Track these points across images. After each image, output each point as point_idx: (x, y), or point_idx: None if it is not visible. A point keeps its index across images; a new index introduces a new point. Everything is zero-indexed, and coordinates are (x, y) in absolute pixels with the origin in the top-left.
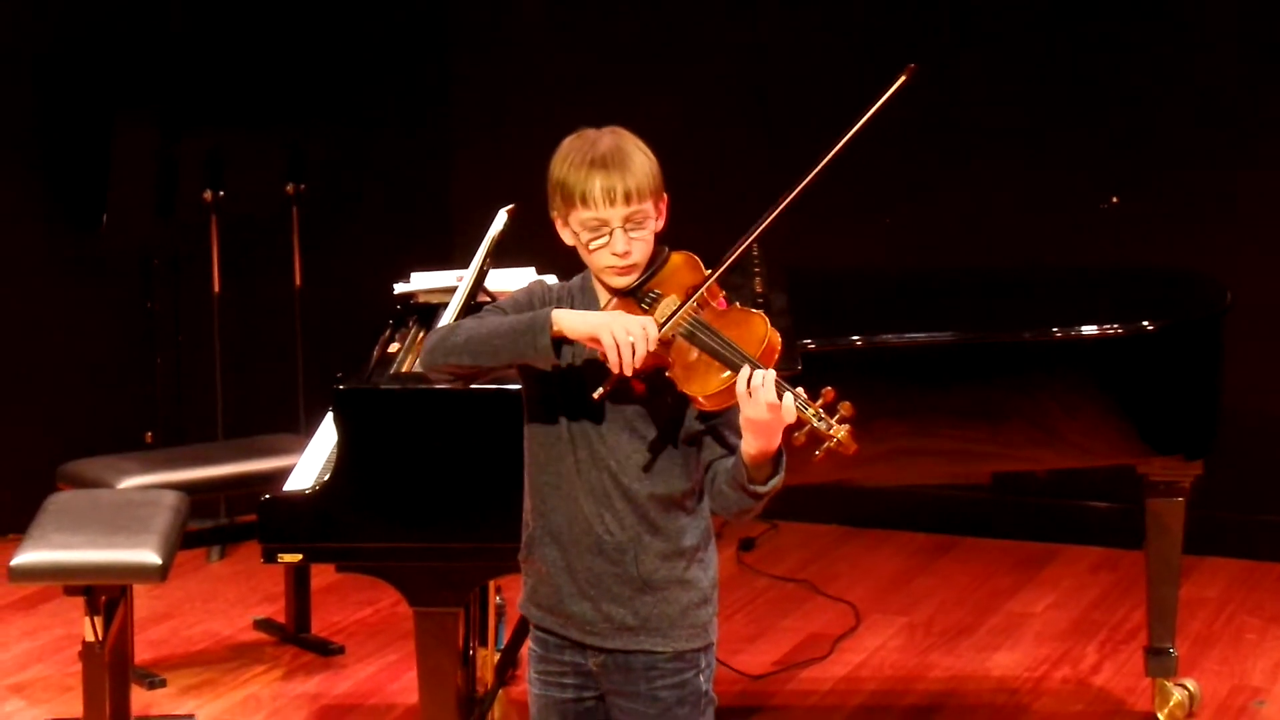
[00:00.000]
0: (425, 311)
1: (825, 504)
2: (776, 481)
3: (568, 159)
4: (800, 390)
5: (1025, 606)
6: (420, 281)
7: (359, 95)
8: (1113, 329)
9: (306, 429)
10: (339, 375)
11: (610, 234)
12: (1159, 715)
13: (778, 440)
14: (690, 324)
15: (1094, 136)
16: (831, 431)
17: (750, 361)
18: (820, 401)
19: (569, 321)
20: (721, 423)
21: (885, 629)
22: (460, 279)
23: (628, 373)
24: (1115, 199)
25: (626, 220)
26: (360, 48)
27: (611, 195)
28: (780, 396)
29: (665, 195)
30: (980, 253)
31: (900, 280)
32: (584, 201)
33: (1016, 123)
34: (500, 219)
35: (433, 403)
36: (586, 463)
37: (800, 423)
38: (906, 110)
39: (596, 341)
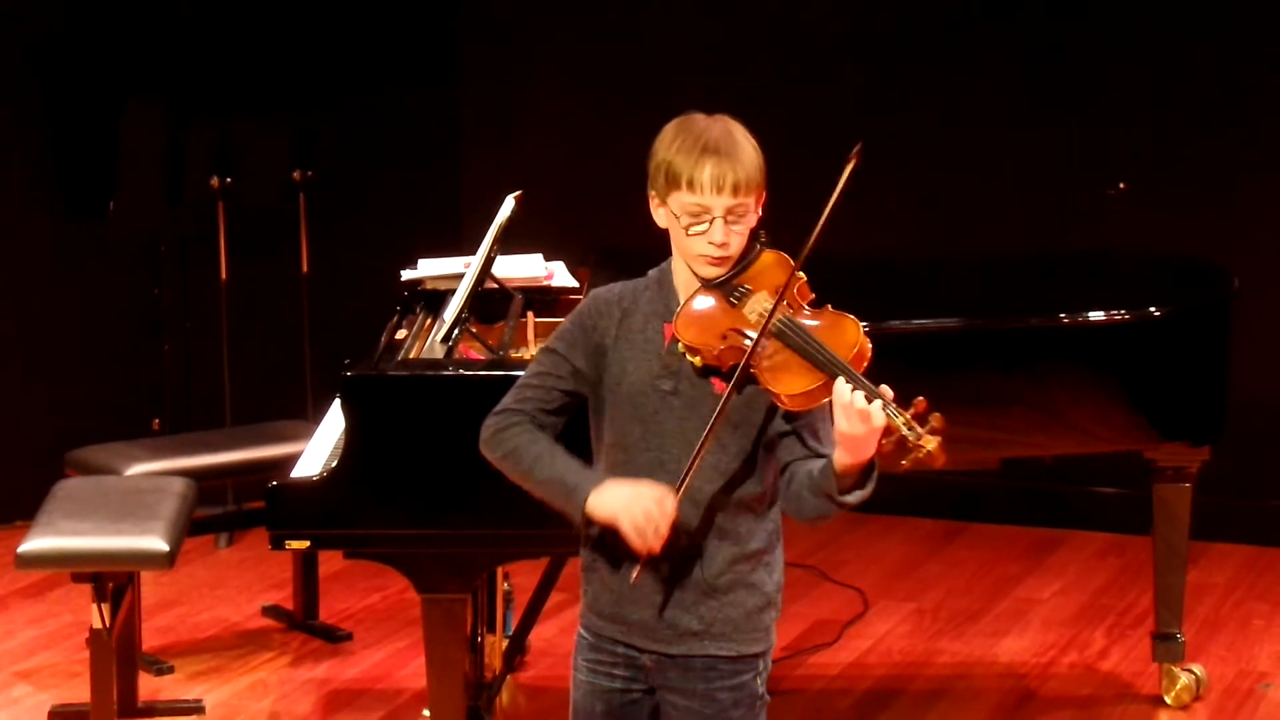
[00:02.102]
0: (432, 298)
1: None
2: (865, 493)
3: (676, 141)
4: (887, 391)
5: (1033, 592)
6: (427, 268)
7: (367, 82)
8: (1120, 315)
9: (314, 416)
10: (346, 362)
11: (711, 222)
12: (1166, 699)
13: (871, 450)
14: (782, 324)
15: (1100, 123)
16: (921, 442)
17: (843, 366)
18: (911, 411)
19: (598, 505)
20: (802, 424)
21: (893, 615)
22: (468, 265)
23: (654, 553)
24: (1122, 185)
25: (729, 211)
26: (368, 34)
27: (720, 183)
28: (870, 403)
29: (764, 191)
30: (987, 239)
31: (907, 266)
32: (690, 186)
33: (1023, 109)
34: (508, 205)
35: (440, 389)
36: (653, 465)
37: (889, 430)
38: (913, 97)
39: (618, 527)
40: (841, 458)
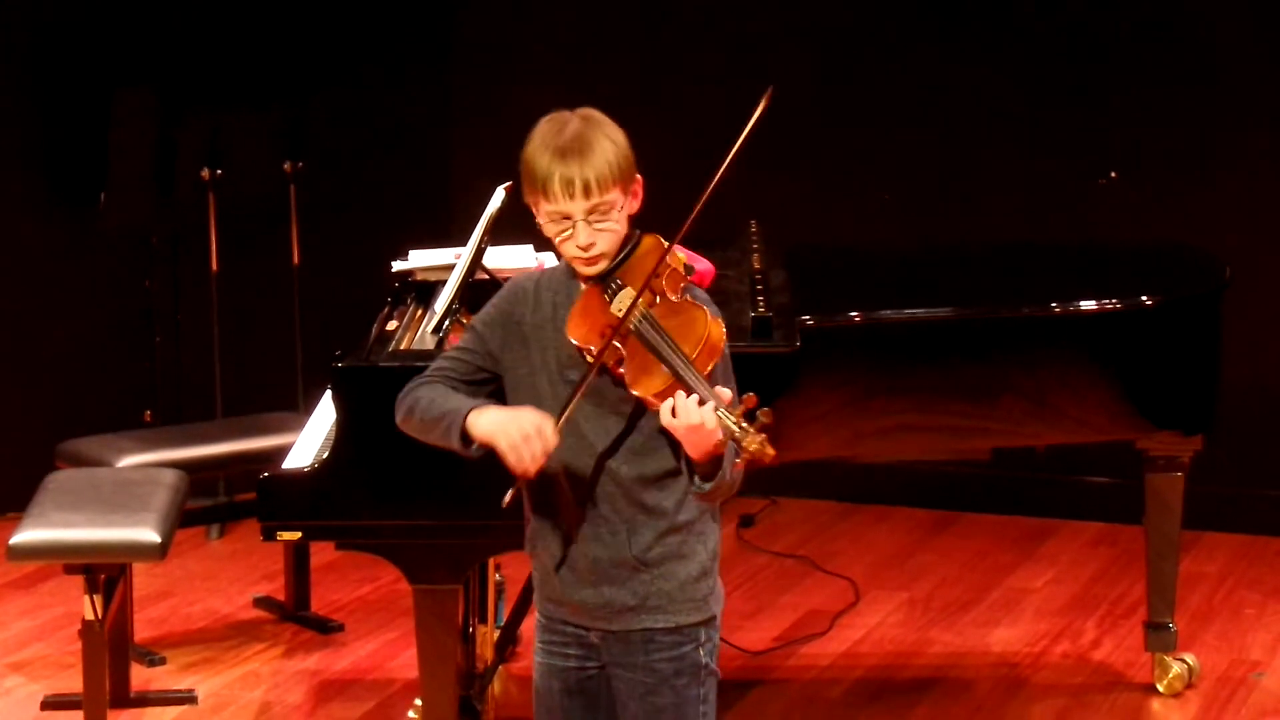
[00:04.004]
0: (423, 289)
1: (825, 480)
2: (716, 483)
3: (533, 146)
4: (724, 393)
5: (1025, 582)
6: (418, 259)
7: (357, 73)
8: (1112, 304)
9: (305, 407)
10: (337, 353)
11: (573, 227)
12: (1159, 688)
13: (707, 446)
14: (639, 320)
15: (1092, 112)
16: (746, 442)
17: (682, 365)
18: (741, 409)
19: (477, 426)
20: None
21: (885, 605)
22: (458, 257)
23: (528, 475)
24: (1114, 174)
25: (589, 212)
26: (359, 25)
27: (571, 189)
28: (701, 408)
29: (638, 177)
30: (979, 228)
31: (899, 256)
32: (546, 194)
33: (1015, 98)
34: (498, 196)
35: None
36: (574, 449)
37: (722, 431)
38: (904, 87)
39: (495, 445)
40: (688, 450)
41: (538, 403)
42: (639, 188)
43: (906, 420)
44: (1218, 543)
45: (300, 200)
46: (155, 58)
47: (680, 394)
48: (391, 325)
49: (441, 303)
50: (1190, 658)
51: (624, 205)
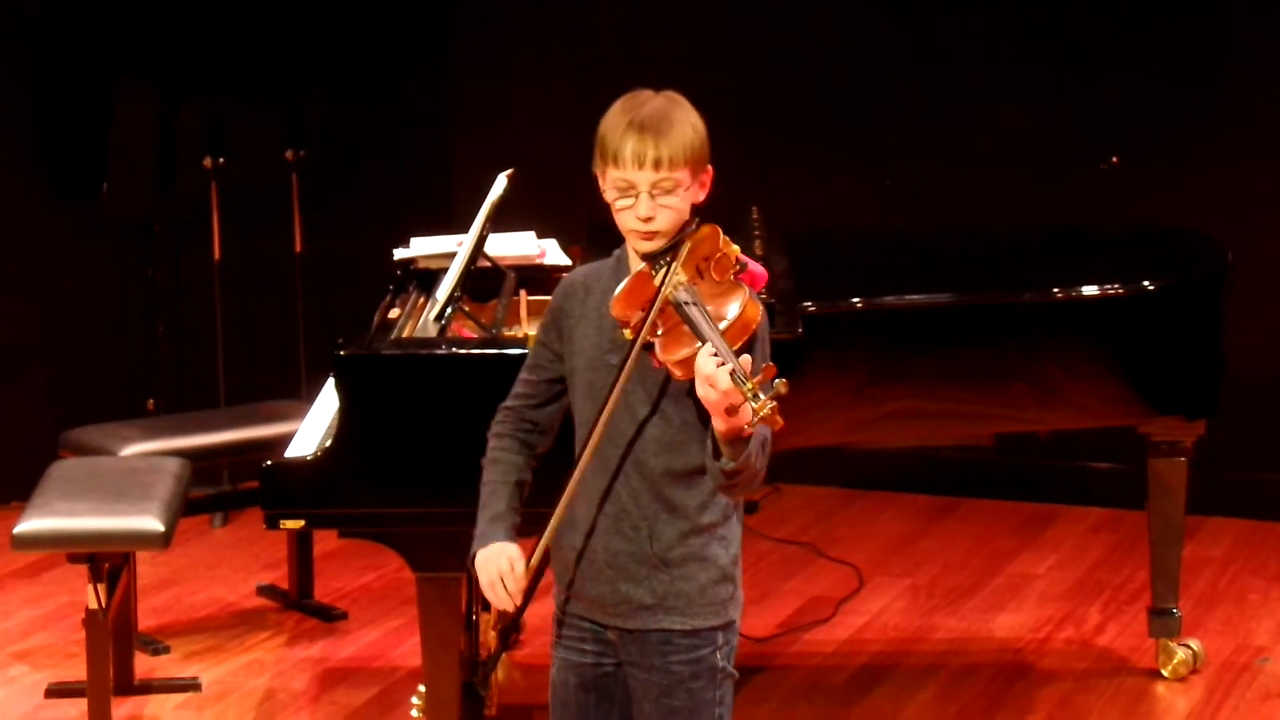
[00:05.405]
0: (425, 277)
1: (828, 466)
2: (742, 462)
3: (612, 115)
4: (746, 362)
5: (1028, 567)
6: (420, 247)
7: (358, 60)
8: (1114, 289)
9: (308, 395)
10: (340, 341)
11: (636, 197)
12: (1163, 673)
13: (727, 416)
14: (678, 295)
15: (1094, 96)
16: (756, 406)
17: (711, 333)
18: (760, 377)
19: (474, 563)
20: None
21: (888, 591)
22: (460, 244)
23: (505, 609)
24: (1115, 159)
25: (654, 186)
26: (359, 13)
27: (641, 159)
28: (719, 369)
29: (710, 168)
30: (981, 213)
31: (901, 242)
32: (616, 161)
33: (1016, 83)
34: (500, 183)
35: (434, 367)
36: (604, 440)
37: (737, 395)
38: (906, 72)
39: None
40: (715, 423)
41: (580, 392)
42: (708, 178)
43: (909, 406)
44: (1221, 528)
45: (302, 188)
46: (156, 46)
47: (702, 351)
48: (394, 313)
49: (443, 290)
50: (1195, 643)
51: (690, 188)
